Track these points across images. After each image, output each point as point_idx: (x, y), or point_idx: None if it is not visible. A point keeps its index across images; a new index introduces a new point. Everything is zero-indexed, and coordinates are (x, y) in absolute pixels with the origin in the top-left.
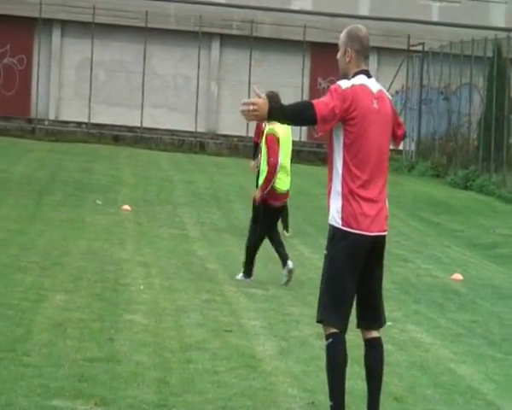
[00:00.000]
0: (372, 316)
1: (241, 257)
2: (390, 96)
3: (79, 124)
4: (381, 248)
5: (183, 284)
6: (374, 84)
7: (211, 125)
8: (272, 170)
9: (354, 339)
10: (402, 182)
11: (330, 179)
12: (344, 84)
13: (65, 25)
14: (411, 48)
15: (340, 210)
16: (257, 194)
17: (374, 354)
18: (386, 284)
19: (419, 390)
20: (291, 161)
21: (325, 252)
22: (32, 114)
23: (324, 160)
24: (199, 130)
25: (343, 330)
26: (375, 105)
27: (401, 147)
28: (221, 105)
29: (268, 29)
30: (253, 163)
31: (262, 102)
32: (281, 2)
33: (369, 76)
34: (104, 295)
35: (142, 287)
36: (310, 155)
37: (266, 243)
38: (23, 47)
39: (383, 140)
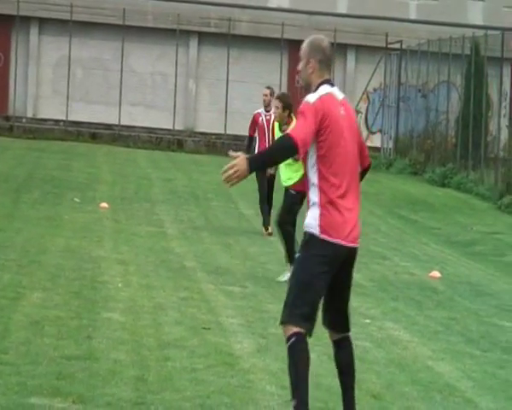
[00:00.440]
0: (341, 321)
1: (220, 255)
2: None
3: (57, 121)
4: (354, 258)
5: (161, 281)
6: (338, 93)
7: (189, 122)
8: None
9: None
10: (380, 179)
11: (308, 189)
12: (311, 98)
13: (42, 22)
14: (389, 46)
15: (317, 219)
16: None
17: (344, 354)
18: (364, 281)
19: (397, 387)
20: None
21: (298, 254)
22: (10, 112)
23: None
24: (177, 128)
25: (308, 332)
26: (343, 112)
27: (379, 144)
28: (199, 103)
29: (246, 27)
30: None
31: (240, 161)
32: (258, 0)
33: (332, 85)
34: (82, 292)
35: (120, 285)
36: None
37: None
38: (0, 45)
39: (354, 147)
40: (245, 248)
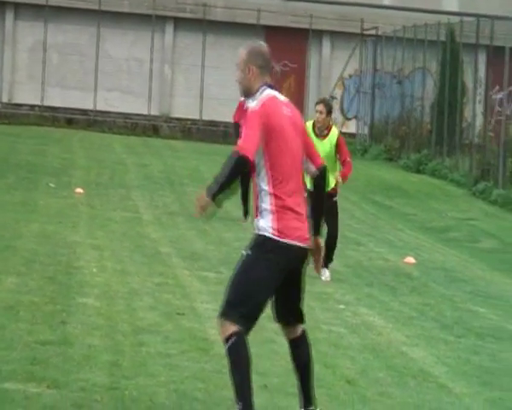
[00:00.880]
0: (294, 314)
1: (195, 241)
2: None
3: (32, 107)
4: (306, 257)
5: (136, 267)
6: (280, 95)
7: (164, 108)
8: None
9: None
10: (355, 165)
11: (256, 197)
12: (254, 105)
13: (18, 7)
14: (365, 32)
15: (272, 222)
16: (340, 180)
17: (300, 354)
18: (339, 267)
19: (371, 373)
20: None
21: (248, 252)
22: None
23: None
24: (152, 113)
25: (246, 331)
26: (287, 112)
27: (354, 131)
28: (175, 88)
29: (221, 13)
30: None
31: (200, 196)
32: None
33: (273, 88)
34: (57, 278)
35: (94, 270)
36: None
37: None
38: None
39: (299, 148)
40: (220, 233)
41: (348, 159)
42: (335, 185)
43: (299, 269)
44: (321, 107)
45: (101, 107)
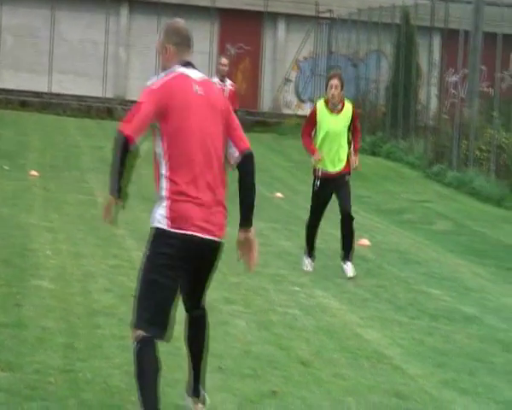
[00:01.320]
0: (195, 304)
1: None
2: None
3: None
4: (214, 254)
5: (91, 249)
6: (195, 73)
7: (119, 90)
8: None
9: (262, 304)
10: None
11: (156, 184)
12: (152, 82)
13: None
14: (320, 15)
15: (165, 211)
16: (356, 161)
17: (193, 332)
18: (294, 249)
19: (325, 354)
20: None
21: (145, 250)
22: None
23: None
24: (107, 96)
25: (157, 337)
26: (199, 91)
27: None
28: (130, 71)
29: None
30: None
31: (101, 195)
32: None
33: (190, 66)
34: (11, 260)
35: (49, 252)
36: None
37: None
38: None
39: (212, 129)
40: None
41: (359, 130)
42: (348, 165)
43: (209, 265)
44: (336, 81)
45: (55, 89)
